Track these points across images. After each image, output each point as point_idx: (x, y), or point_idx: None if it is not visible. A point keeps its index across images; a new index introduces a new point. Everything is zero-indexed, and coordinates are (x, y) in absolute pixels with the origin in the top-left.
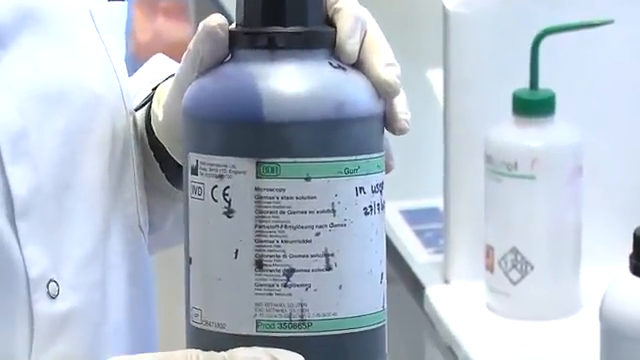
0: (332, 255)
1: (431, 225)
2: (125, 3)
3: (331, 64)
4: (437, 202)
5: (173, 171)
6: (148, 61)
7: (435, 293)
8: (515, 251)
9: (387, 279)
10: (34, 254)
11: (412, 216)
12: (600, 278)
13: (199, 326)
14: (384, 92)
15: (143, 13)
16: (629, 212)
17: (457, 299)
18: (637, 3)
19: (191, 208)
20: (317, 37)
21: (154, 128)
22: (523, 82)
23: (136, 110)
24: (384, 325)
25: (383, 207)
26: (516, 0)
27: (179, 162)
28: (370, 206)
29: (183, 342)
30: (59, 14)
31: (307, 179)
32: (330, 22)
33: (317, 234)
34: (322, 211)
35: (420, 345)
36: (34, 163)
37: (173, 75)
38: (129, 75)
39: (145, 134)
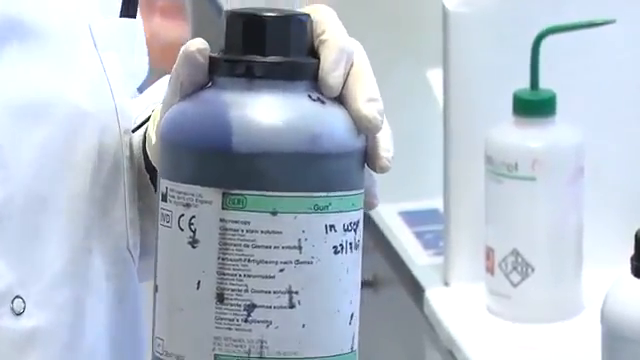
0: (296, 293)
1: (431, 227)
2: (135, 21)
3: (310, 96)
4: (437, 203)
5: None
6: (157, 82)
7: (435, 296)
8: (516, 253)
9: (387, 281)
10: (0, 268)
11: (411, 218)
12: (601, 280)
13: (160, 356)
14: (364, 128)
15: (140, 13)
16: (630, 213)
17: (457, 302)
18: (638, 3)
19: (160, 235)
20: (297, 68)
21: (148, 151)
22: (523, 82)
23: (133, 131)
24: None
25: (357, 246)
26: (516, 0)
27: None
28: (341, 245)
29: None
30: (52, 28)
31: (273, 213)
32: (315, 53)
33: (281, 270)
34: (287, 247)
35: (420, 348)
36: (6, 174)
37: None
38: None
39: (142, 157)
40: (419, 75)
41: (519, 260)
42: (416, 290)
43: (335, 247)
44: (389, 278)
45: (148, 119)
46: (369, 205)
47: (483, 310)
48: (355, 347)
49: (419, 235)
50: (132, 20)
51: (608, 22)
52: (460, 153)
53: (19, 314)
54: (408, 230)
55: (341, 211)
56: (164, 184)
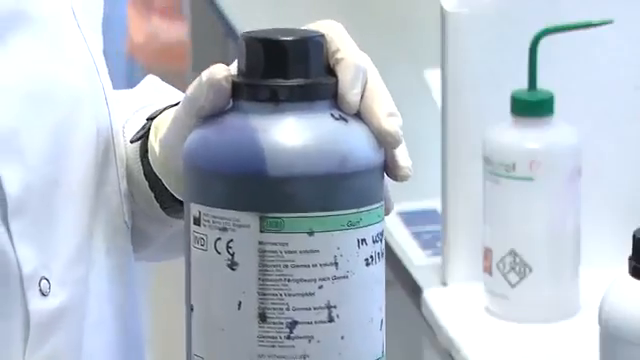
0: (334, 307)
1: (429, 227)
2: None
3: (333, 115)
4: (435, 204)
5: (168, 201)
6: (141, 82)
7: (433, 296)
8: (513, 253)
9: (385, 282)
10: (27, 252)
11: (410, 218)
12: (599, 280)
13: None
14: (386, 142)
15: (138, 12)
16: (629, 214)
17: (455, 302)
18: (636, 3)
19: (193, 257)
20: (319, 89)
21: (151, 160)
22: (521, 83)
23: (132, 142)
24: None
25: (383, 255)
26: (514, 0)
27: (174, 194)
28: (371, 256)
29: (178, 338)
30: (44, 13)
31: (310, 233)
32: (331, 71)
33: (320, 287)
34: (325, 264)
35: (418, 349)
36: (25, 161)
37: (170, 106)
38: (126, 86)
39: (140, 164)
40: (417, 75)
41: (517, 260)
42: (414, 290)
43: (366, 259)
44: (387, 278)
45: (145, 129)
46: (387, 212)
47: (481, 310)
48: (384, 351)
49: (417, 235)
50: None
51: (606, 22)
52: (458, 153)
53: (46, 294)
54: (406, 230)
55: (370, 224)
56: (196, 208)
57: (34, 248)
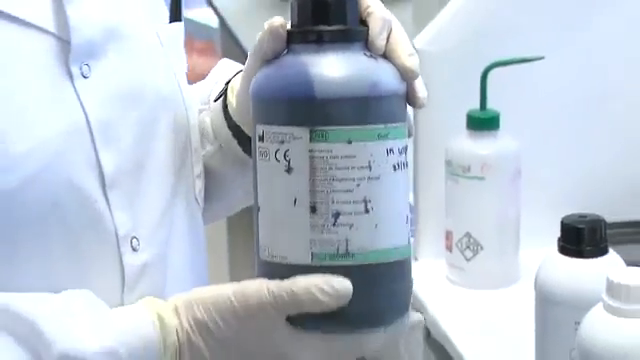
0: (369, 201)
1: None
2: (181, 24)
3: (365, 54)
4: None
5: (247, 144)
6: (217, 65)
7: None
8: (469, 235)
9: None
10: (121, 218)
11: None
12: (535, 256)
13: (267, 259)
14: (407, 76)
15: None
16: (558, 205)
17: (424, 273)
18: (562, 44)
19: (259, 168)
20: (354, 34)
21: (230, 113)
22: (475, 104)
23: (215, 101)
24: (409, 257)
25: (407, 165)
26: (470, 40)
27: (250, 136)
28: (398, 164)
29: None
30: (135, 33)
31: (349, 142)
32: (364, 22)
33: (358, 185)
34: (361, 167)
35: None
36: (118, 147)
37: (241, 71)
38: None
39: (223, 118)
40: None
41: (471, 241)
42: None
43: (394, 165)
44: None
45: (223, 91)
46: (410, 133)
47: (443, 279)
48: (410, 240)
49: None
50: (180, 24)
51: (538, 58)
52: (426, 158)
53: (136, 250)
54: None
55: (396, 138)
56: (260, 128)
57: (127, 214)
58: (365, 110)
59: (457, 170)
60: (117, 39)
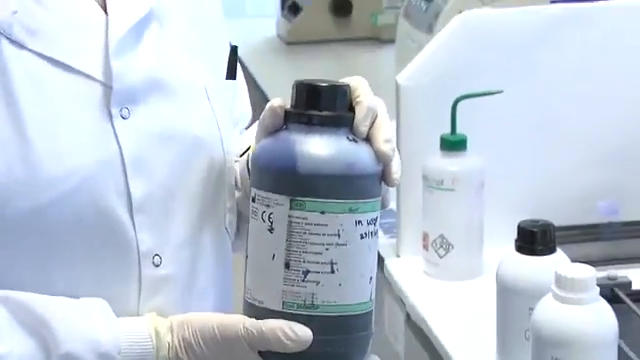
0: (335, 264)
1: (389, 220)
2: (235, 82)
3: (348, 138)
4: (392, 205)
5: None
6: (250, 128)
7: (391, 263)
8: (442, 236)
9: None
10: (144, 237)
11: None
12: (496, 254)
13: (248, 300)
14: (383, 160)
15: None
16: (515, 212)
17: (405, 267)
18: (520, 78)
19: (250, 224)
20: (340, 120)
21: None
22: (447, 129)
23: (240, 156)
24: (371, 311)
25: (376, 234)
26: (442, 77)
27: None
28: (365, 233)
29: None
30: (178, 85)
31: (322, 213)
32: (352, 108)
33: (327, 249)
34: (331, 234)
35: (381, 297)
36: (149, 178)
37: None
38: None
39: (246, 170)
40: None
41: (444, 241)
42: (379, 260)
43: (361, 234)
44: None
45: (248, 149)
46: (385, 205)
47: (421, 273)
48: (373, 297)
49: (382, 225)
50: (233, 81)
51: (498, 92)
52: (407, 174)
53: (157, 266)
54: None
55: (366, 212)
56: (254, 191)
57: (150, 235)
58: (339, 187)
59: (432, 183)
60: (159, 88)
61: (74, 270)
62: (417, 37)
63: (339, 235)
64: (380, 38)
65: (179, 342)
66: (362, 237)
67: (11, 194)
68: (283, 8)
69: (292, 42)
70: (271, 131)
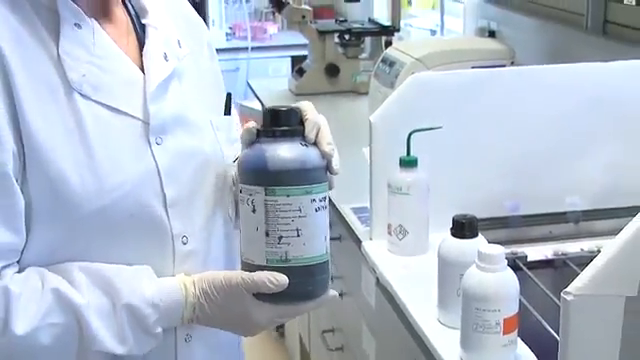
0: (300, 230)
1: (364, 214)
2: (231, 117)
3: (301, 144)
4: (367, 204)
5: None
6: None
7: (366, 245)
8: (401, 226)
9: (345, 238)
10: (176, 224)
11: (356, 210)
12: (437, 238)
13: (243, 260)
14: (326, 157)
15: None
16: (450, 208)
17: (376, 247)
18: (453, 118)
19: (239, 208)
20: (295, 132)
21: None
22: (404, 153)
23: (233, 162)
24: (328, 260)
25: (326, 207)
26: (401, 117)
27: None
28: (319, 207)
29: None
30: (194, 120)
31: (287, 196)
32: (302, 123)
33: (292, 220)
34: (294, 210)
35: (358, 267)
36: (177, 183)
37: None
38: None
39: (237, 174)
40: (359, 150)
41: (402, 229)
42: (358, 242)
43: (316, 208)
44: (346, 237)
45: (237, 158)
46: (331, 187)
47: (386, 251)
48: (329, 251)
49: (360, 218)
50: (229, 117)
51: (438, 127)
52: (378, 183)
53: (185, 244)
54: (354, 216)
55: (318, 192)
56: (240, 185)
57: (180, 222)
58: (298, 177)
59: (394, 189)
60: (182, 123)
61: (128, 250)
62: (383, 90)
63: (300, 210)
64: (358, 91)
65: (199, 291)
66: (317, 210)
67: (84, 199)
68: (293, 71)
69: (299, 94)
70: (248, 144)
